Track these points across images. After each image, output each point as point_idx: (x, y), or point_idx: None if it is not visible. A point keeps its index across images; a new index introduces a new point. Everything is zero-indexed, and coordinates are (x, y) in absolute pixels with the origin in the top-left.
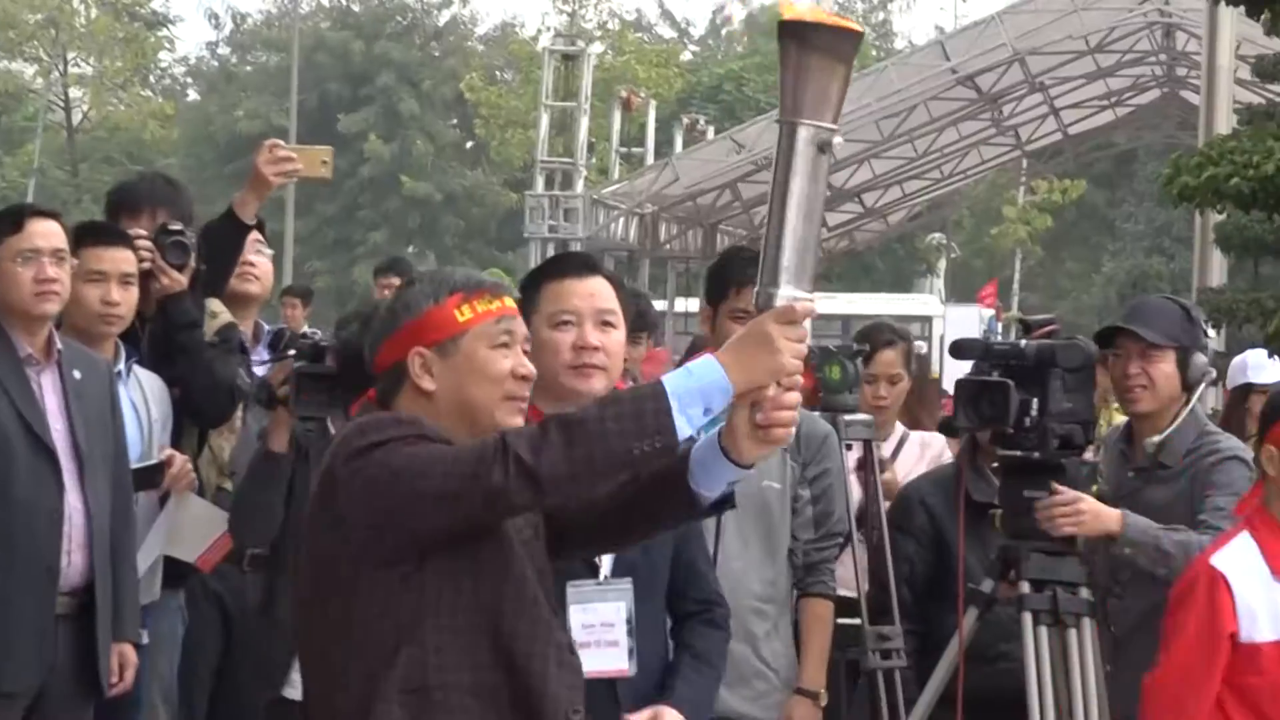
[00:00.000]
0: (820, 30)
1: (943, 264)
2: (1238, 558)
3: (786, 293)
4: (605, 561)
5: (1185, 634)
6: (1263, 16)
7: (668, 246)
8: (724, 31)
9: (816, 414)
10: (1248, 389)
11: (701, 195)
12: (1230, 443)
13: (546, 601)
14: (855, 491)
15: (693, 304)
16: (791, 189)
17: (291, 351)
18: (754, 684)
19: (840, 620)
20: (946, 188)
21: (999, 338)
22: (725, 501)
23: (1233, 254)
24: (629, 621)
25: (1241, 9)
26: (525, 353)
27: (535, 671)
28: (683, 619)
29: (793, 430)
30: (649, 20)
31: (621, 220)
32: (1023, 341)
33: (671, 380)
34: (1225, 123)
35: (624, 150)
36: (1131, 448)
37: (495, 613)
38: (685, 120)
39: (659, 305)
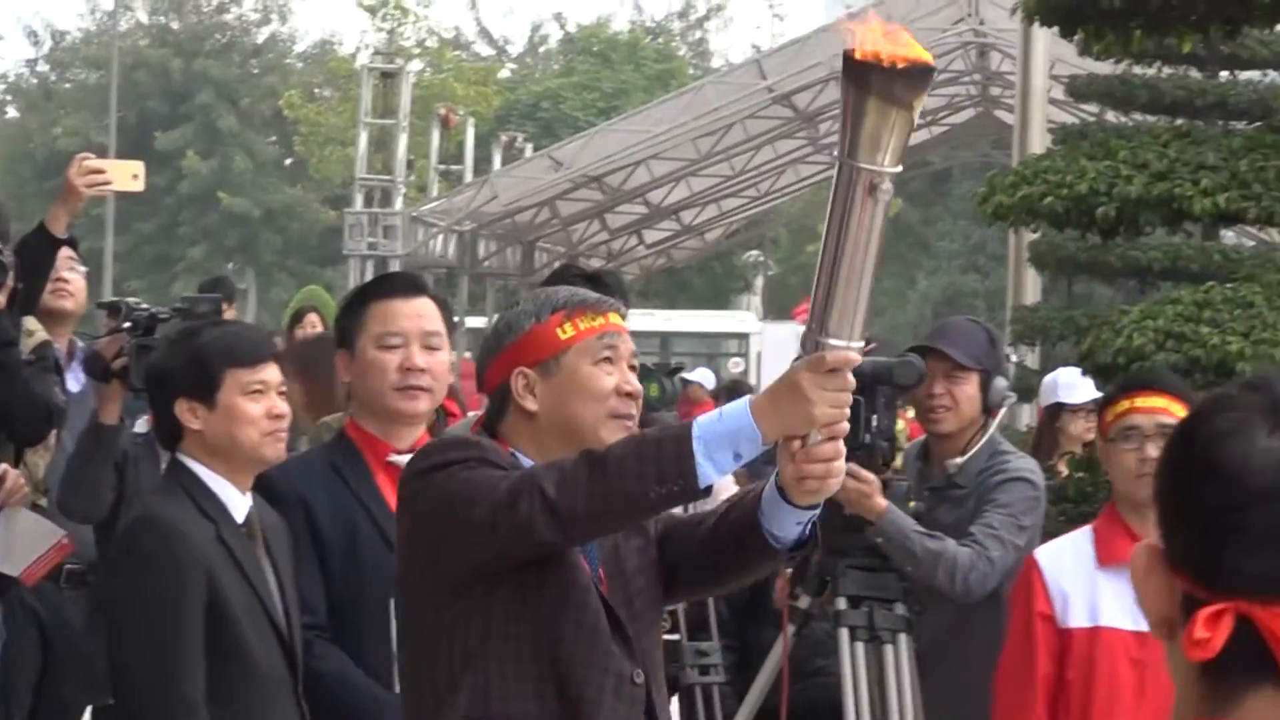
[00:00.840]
0: (876, 72)
1: (760, 281)
2: (1063, 547)
3: (831, 343)
4: None
5: (1013, 626)
6: (1076, 37)
7: (487, 263)
8: (542, 50)
9: None
10: (1059, 408)
11: (520, 213)
12: (1020, 464)
13: (617, 631)
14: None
15: None
16: (846, 233)
17: (127, 324)
18: None
19: None
20: (763, 205)
21: None
22: (807, 542)
23: (1047, 272)
24: None
25: (1055, 30)
26: (632, 369)
27: (589, 699)
28: None
29: (835, 481)
30: (467, 38)
31: (440, 237)
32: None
33: (702, 423)
34: (1039, 142)
35: (443, 167)
36: (928, 466)
37: (554, 640)
38: (504, 138)
39: (479, 322)
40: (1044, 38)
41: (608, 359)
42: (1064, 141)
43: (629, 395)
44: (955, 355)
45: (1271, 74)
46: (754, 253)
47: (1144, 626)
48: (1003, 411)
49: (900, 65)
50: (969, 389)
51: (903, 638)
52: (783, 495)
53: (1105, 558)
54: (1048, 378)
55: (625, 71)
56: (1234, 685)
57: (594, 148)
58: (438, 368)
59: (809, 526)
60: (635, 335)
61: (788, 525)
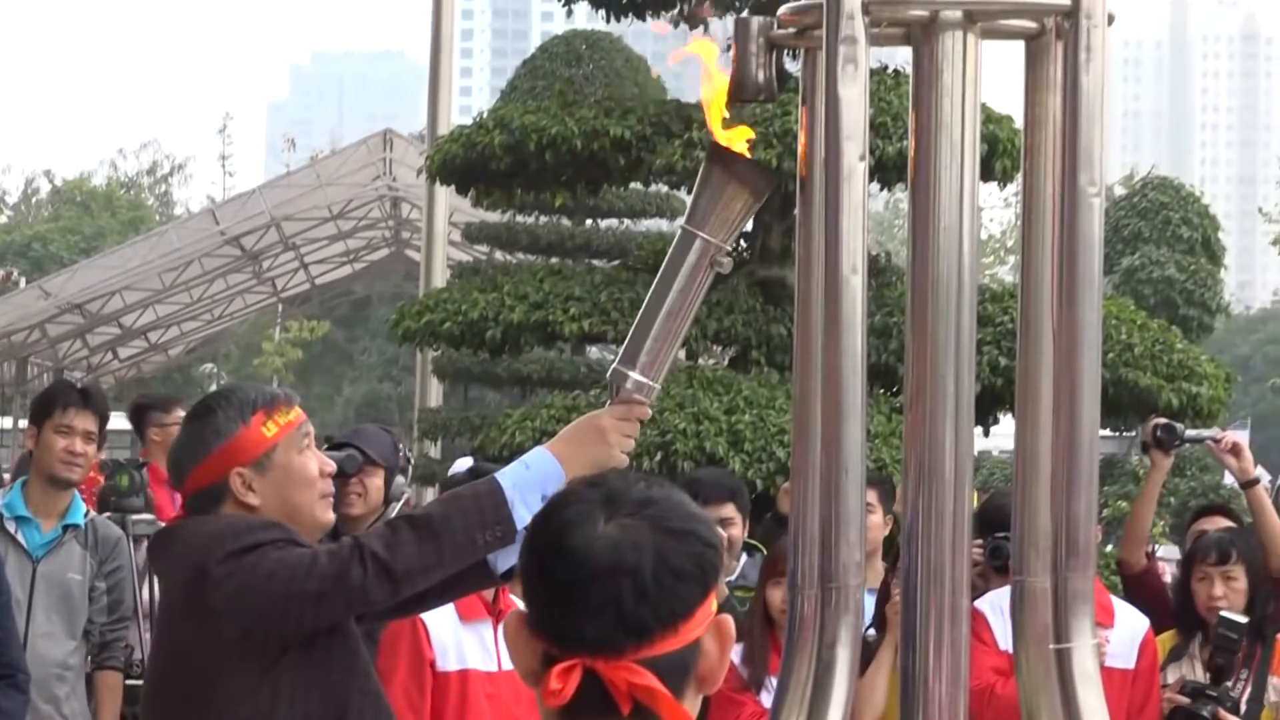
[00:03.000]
0: (744, 163)
1: (213, 387)
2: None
3: (636, 377)
4: None
5: (399, 668)
6: (470, 192)
7: None
8: (34, 199)
9: (107, 517)
10: None
11: (15, 333)
12: None
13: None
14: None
15: (6, 422)
16: (672, 289)
17: None
18: None
19: (128, 682)
20: (217, 327)
21: None
22: (512, 572)
23: (447, 381)
24: None
25: (453, 187)
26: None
27: None
28: None
29: None
30: None
31: None
32: (324, 448)
33: (507, 475)
34: (441, 277)
35: None
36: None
37: (342, 705)
38: (2, 272)
39: None
40: (445, 192)
41: (307, 446)
42: (460, 277)
43: (329, 475)
44: (370, 453)
45: (626, 222)
46: (209, 365)
47: (493, 668)
48: (401, 501)
49: (762, 164)
50: (377, 481)
51: None
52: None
53: (464, 615)
54: (453, 466)
55: (103, 218)
56: None
57: (77, 280)
58: None
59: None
60: (111, 434)
61: (510, 557)
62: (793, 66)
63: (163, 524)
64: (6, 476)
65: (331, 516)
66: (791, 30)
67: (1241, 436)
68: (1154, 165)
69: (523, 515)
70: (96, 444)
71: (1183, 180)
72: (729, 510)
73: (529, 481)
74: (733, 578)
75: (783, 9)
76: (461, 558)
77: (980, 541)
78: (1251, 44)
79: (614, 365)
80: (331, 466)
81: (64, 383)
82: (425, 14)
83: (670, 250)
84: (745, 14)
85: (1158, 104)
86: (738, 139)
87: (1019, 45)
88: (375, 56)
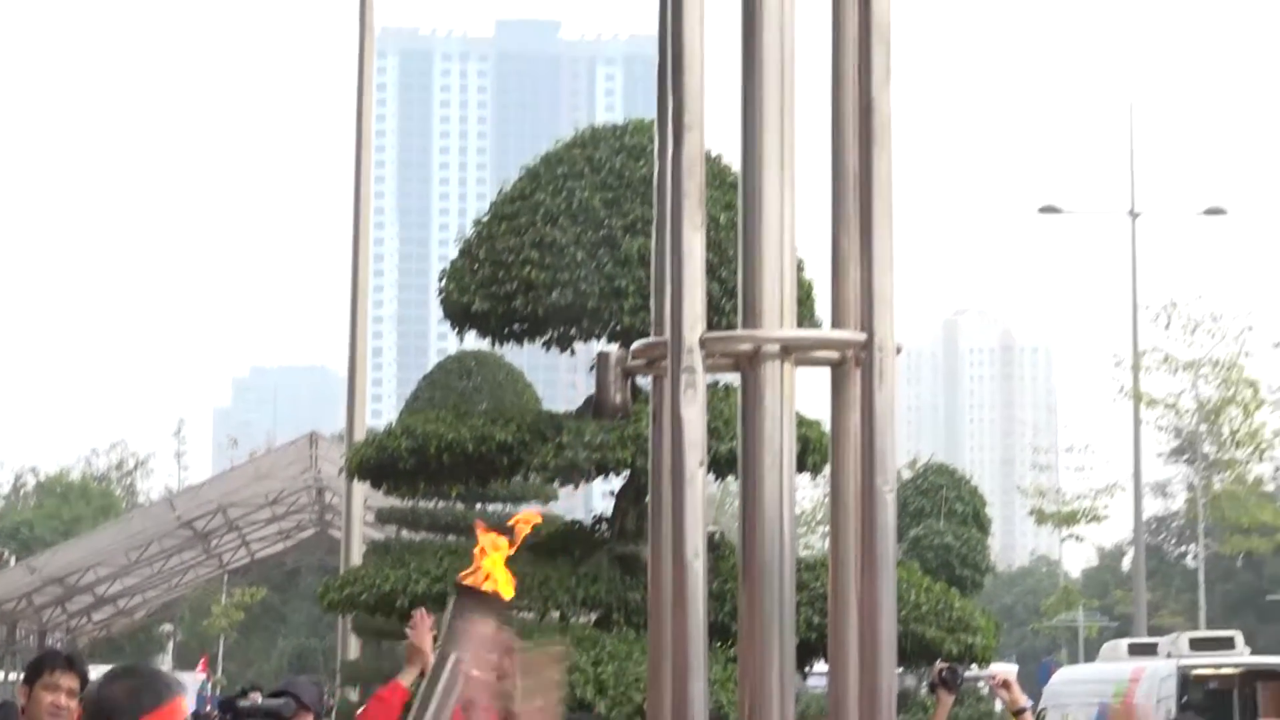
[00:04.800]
0: (481, 595)
1: (171, 645)
2: None
3: None
4: None
5: None
6: (384, 486)
7: None
8: (21, 492)
9: None
10: None
11: (5, 603)
12: None
13: None
14: None
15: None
16: (433, 694)
17: None
18: None
19: None
20: (173, 594)
21: (209, 694)
22: None
23: (365, 638)
24: None
25: (368, 482)
26: None
27: None
28: None
29: None
30: None
31: None
32: (259, 698)
33: None
34: (358, 551)
35: None
36: None
37: None
38: None
39: None
40: (361, 485)
41: None
42: (374, 553)
43: None
44: (303, 699)
45: (509, 506)
46: (167, 625)
47: None
48: None
49: (497, 594)
50: None
51: None
52: None
53: None
54: None
55: (79, 506)
56: None
57: (58, 558)
58: None
59: None
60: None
61: None
62: (644, 382)
63: None
64: None
65: None
66: (643, 361)
67: (1010, 671)
68: (933, 453)
69: None
70: (78, 700)
71: (956, 465)
72: None
73: None
74: None
75: (635, 344)
76: None
77: None
78: (1009, 353)
79: None
80: None
81: (52, 650)
82: (344, 334)
83: (435, 662)
84: (604, 340)
85: (934, 401)
86: (482, 577)
87: (826, 370)
88: (302, 370)
